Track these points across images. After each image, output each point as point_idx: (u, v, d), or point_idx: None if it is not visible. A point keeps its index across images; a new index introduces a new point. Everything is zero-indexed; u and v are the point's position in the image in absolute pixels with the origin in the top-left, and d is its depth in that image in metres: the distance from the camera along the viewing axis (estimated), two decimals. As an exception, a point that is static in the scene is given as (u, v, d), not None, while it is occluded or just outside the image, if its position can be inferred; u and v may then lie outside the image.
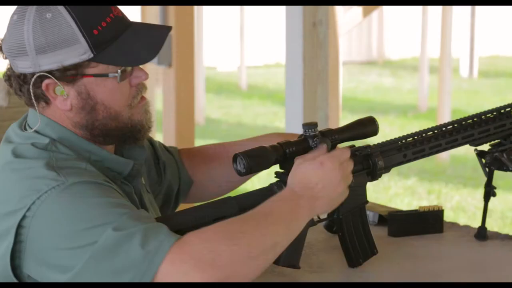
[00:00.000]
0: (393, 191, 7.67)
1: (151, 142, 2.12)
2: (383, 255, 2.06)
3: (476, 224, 2.27)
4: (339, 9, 4.71)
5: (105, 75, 1.78)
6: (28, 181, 1.69)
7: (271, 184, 1.92)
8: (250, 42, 15.30)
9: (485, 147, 2.20)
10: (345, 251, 2.00)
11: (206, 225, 1.81)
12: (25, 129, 1.83)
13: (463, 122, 2.11)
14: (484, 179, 2.22)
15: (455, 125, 2.10)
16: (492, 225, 6.18)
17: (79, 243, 1.62)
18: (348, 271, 1.99)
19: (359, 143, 2.01)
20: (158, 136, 7.64)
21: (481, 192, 2.26)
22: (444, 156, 8.68)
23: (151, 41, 1.80)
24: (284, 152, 1.89)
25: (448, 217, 6.42)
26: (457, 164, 8.64)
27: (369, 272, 1.98)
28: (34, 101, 1.79)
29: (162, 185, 2.10)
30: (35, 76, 1.76)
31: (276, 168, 1.94)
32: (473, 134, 2.12)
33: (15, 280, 1.69)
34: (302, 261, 1.95)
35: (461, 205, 7.18)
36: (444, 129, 2.09)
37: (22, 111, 4.31)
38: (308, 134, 1.92)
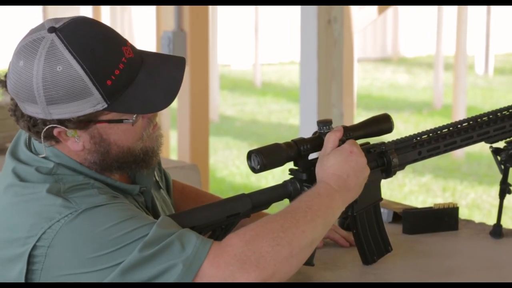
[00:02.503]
0: (407, 189, 7.65)
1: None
2: (397, 253, 2.05)
3: (492, 221, 2.26)
4: (353, 7, 4.71)
5: (119, 121, 1.72)
6: (36, 208, 1.66)
7: (285, 182, 1.91)
8: (264, 40, 15.31)
9: (501, 144, 2.19)
10: (360, 248, 2.00)
11: (219, 222, 1.81)
12: (29, 147, 1.78)
13: (478, 119, 2.10)
14: (499, 176, 2.22)
15: (470, 122, 2.09)
16: (507, 223, 6.15)
17: (104, 266, 1.61)
18: (362, 269, 1.99)
19: (373, 140, 2.01)
20: (172, 133, 7.65)
21: (496, 189, 2.25)
22: (459, 153, 8.65)
23: (166, 84, 1.74)
24: (298, 150, 1.89)
25: (463, 214, 6.40)
26: (472, 161, 8.61)
27: (383, 269, 1.97)
28: (43, 141, 1.72)
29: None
30: (47, 127, 1.69)
31: (290, 165, 1.94)
32: (489, 131, 2.11)
33: None
34: (316, 259, 1.95)
35: (476, 202, 7.16)
36: (459, 126, 2.08)
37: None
38: (322, 131, 1.92)
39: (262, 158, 1.84)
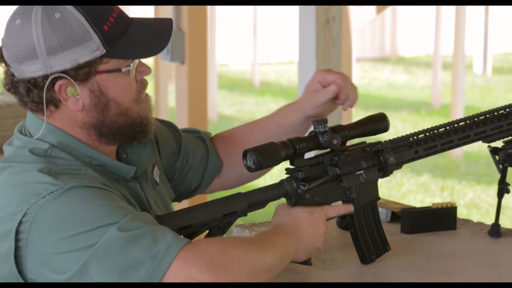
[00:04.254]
0: (406, 188, 7.65)
1: (173, 127, 2.12)
2: (395, 252, 2.06)
3: (490, 221, 2.26)
4: (352, 6, 4.71)
5: (118, 70, 1.77)
6: (25, 186, 1.68)
7: (281, 181, 1.92)
8: (263, 39, 15.29)
9: (499, 144, 2.19)
10: (357, 247, 2.00)
11: (216, 220, 1.82)
12: (24, 133, 1.81)
13: (476, 119, 2.11)
14: (497, 175, 2.22)
15: (467, 121, 2.10)
16: (505, 222, 6.16)
17: (79, 245, 1.62)
18: (360, 268, 1.99)
19: (370, 140, 2.01)
20: (171, 133, 7.64)
21: (494, 189, 2.25)
22: (458, 152, 8.65)
23: (158, 32, 1.81)
24: (294, 148, 1.89)
25: (461, 214, 6.40)
26: (471, 161, 8.61)
27: (381, 269, 1.97)
28: (44, 105, 1.76)
29: (182, 167, 2.10)
30: (50, 78, 1.73)
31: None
32: (486, 130, 2.11)
33: (21, 281, 1.69)
34: (314, 258, 1.95)
35: (474, 202, 7.16)
36: (456, 125, 2.08)
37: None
38: (318, 130, 1.92)
39: (258, 157, 1.84)
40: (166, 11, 6.11)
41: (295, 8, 4.85)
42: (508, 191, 2.22)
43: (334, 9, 4.51)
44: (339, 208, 1.96)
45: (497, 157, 2.20)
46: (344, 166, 1.95)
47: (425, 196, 7.39)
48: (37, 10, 1.72)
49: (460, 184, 7.77)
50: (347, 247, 2.09)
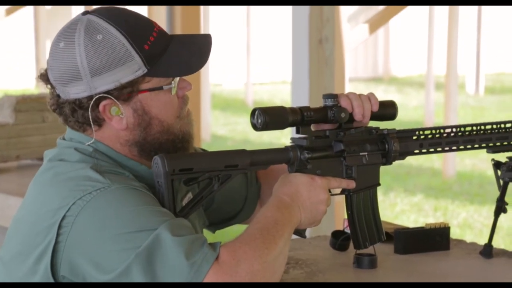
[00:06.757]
0: (399, 208, 7.65)
1: None
2: (389, 273, 2.05)
3: (483, 241, 2.26)
4: (345, 26, 4.72)
5: (159, 88, 1.80)
6: (72, 182, 1.71)
7: (286, 146, 1.92)
8: (256, 59, 15.32)
9: (503, 159, 2.18)
10: (352, 231, 2.00)
11: (217, 170, 1.82)
12: (64, 139, 1.85)
13: (482, 126, 2.11)
14: (490, 195, 2.22)
15: (474, 127, 2.10)
16: (499, 242, 6.15)
17: (123, 246, 1.63)
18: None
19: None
20: (164, 152, 7.62)
21: (487, 209, 2.25)
22: (451, 172, 8.66)
23: (198, 48, 1.84)
24: (302, 115, 1.90)
25: (454, 234, 6.38)
26: (464, 181, 8.62)
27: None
28: (92, 124, 1.78)
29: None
30: (93, 99, 1.76)
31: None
32: (491, 138, 2.11)
33: (51, 279, 1.69)
34: (307, 279, 1.94)
35: (467, 222, 7.16)
36: (462, 129, 2.09)
37: (28, 128, 4.30)
38: (327, 103, 1.93)
39: (266, 117, 1.85)
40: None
41: (289, 28, 4.86)
42: (505, 211, 2.21)
43: (327, 29, 4.52)
44: (341, 180, 1.95)
45: (499, 172, 2.19)
46: (349, 144, 1.95)
47: (418, 216, 7.39)
48: (79, 33, 1.76)
49: (453, 204, 7.77)
50: (341, 268, 2.09)
